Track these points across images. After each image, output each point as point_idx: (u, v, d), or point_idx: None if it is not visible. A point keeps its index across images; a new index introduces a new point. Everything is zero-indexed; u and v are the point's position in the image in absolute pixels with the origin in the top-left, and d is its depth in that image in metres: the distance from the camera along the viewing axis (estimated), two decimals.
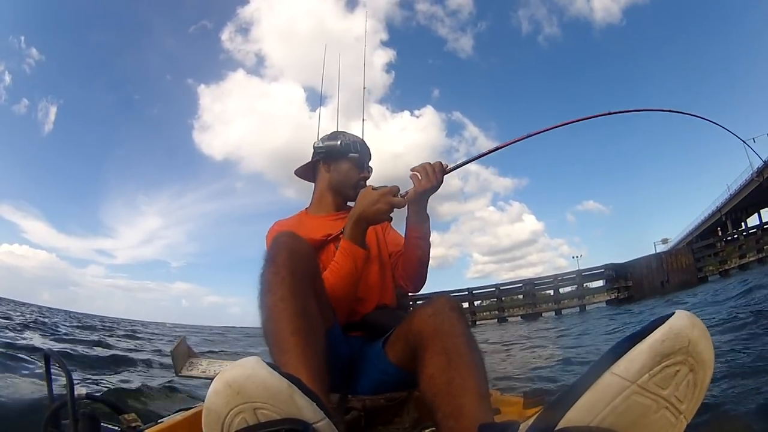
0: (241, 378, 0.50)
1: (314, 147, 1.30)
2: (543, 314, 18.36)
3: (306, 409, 0.52)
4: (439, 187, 1.10)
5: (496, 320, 19.28)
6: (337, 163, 1.27)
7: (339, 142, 1.26)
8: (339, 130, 1.37)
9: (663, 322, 0.44)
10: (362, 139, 1.35)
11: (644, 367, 0.43)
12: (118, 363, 4.43)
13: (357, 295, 1.12)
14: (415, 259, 1.17)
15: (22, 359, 2.96)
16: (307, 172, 1.35)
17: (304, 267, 0.84)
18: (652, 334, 0.44)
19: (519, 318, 18.35)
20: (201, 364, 1.73)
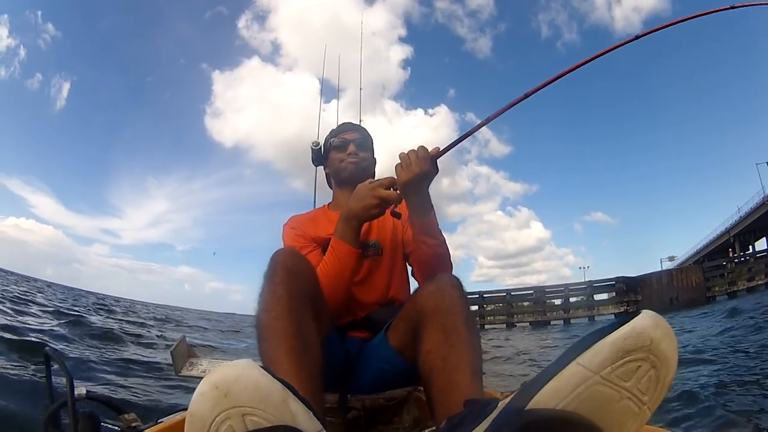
0: (230, 379, 0.45)
1: (312, 162, 1.36)
2: (552, 322, 18.40)
3: (301, 416, 0.47)
4: (430, 175, 0.95)
5: (504, 325, 19.25)
6: (329, 160, 1.30)
7: (320, 142, 1.31)
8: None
9: (629, 321, 0.48)
10: (347, 122, 1.36)
11: (606, 360, 0.46)
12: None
13: (359, 295, 1.11)
14: (423, 257, 1.04)
15: (22, 358, 2.96)
16: (330, 182, 1.37)
17: (301, 285, 0.82)
18: (616, 330, 0.47)
19: (527, 324, 18.31)
20: (201, 364, 1.73)
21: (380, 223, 1.21)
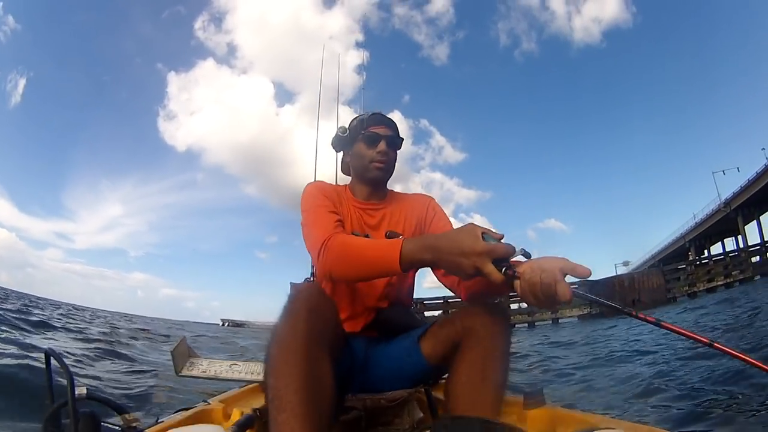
0: None
1: (332, 144, 1.29)
2: (516, 325, 18.72)
3: None
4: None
5: None
6: (352, 149, 1.22)
7: (347, 127, 1.21)
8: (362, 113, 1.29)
9: None
10: (375, 113, 1.21)
11: None
12: None
13: (366, 290, 1.11)
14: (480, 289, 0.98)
15: (21, 357, 2.96)
16: (345, 168, 1.31)
17: (322, 327, 0.78)
18: None
19: None
20: (201, 364, 1.73)
21: (394, 218, 1.19)
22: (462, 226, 0.80)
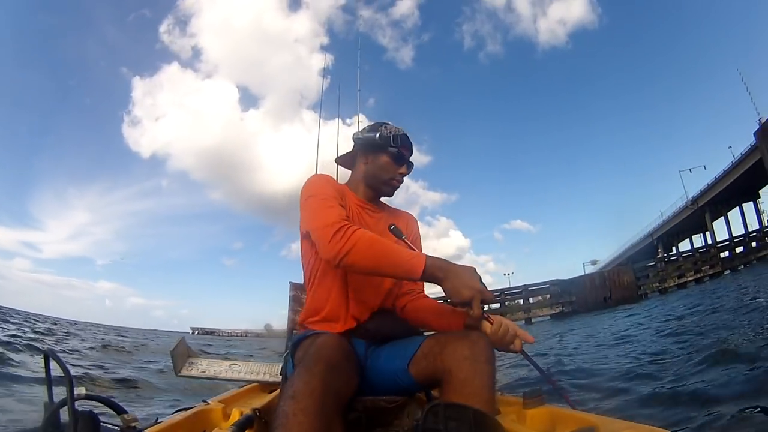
0: None
1: (353, 137, 1.28)
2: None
3: None
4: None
5: None
6: (375, 156, 1.23)
7: (378, 134, 1.22)
8: (382, 121, 1.31)
9: None
10: (404, 133, 1.26)
11: None
12: None
13: (364, 292, 1.12)
14: (421, 323, 1.16)
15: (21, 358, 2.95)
16: (347, 161, 1.34)
17: (338, 387, 0.77)
18: None
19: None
20: (201, 364, 1.73)
21: (380, 230, 1.19)
22: (468, 265, 0.97)
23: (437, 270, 0.93)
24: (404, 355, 1.02)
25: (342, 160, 1.35)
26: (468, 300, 0.91)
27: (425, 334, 1.12)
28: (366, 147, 1.24)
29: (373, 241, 0.95)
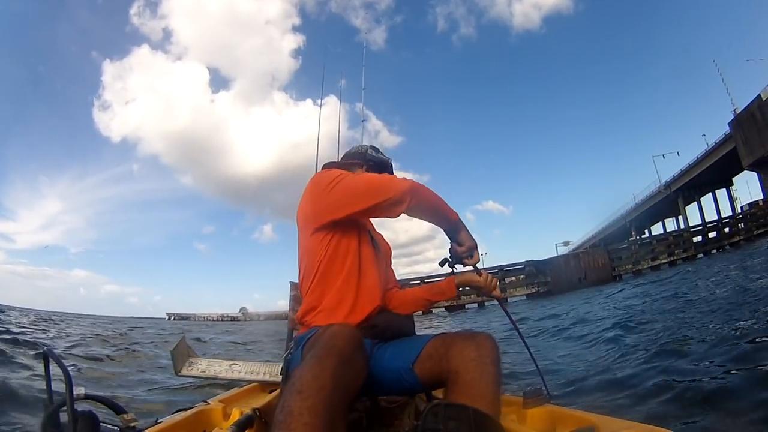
0: None
1: (365, 153, 1.38)
2: (466, 306, 19.04)
3: None
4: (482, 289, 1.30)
5: (420, 312, 19.35)
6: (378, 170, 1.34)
7: (389, 160, 1.40)
8: (372, 145, 1.45)
9: None
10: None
11: None
12: None
13: (366, 288, 1.12)
14: (410, 309, 1.29)
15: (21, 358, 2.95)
16: (346, 166, 1.34)
17: (348, 382, 0.73)
18: None
19: (443, 310, 18.23)
20: (201, 364, 1.73)
21: (375, 231, 1.32)
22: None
23: (461, 219, 1.15)
24: (409, 354, 1.01)
25: (336, 167, 1.36)
26: (474, 246, 1.16)
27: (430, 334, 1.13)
28: (376, 167, 1.36)
29: (431, 196, 1.08)
